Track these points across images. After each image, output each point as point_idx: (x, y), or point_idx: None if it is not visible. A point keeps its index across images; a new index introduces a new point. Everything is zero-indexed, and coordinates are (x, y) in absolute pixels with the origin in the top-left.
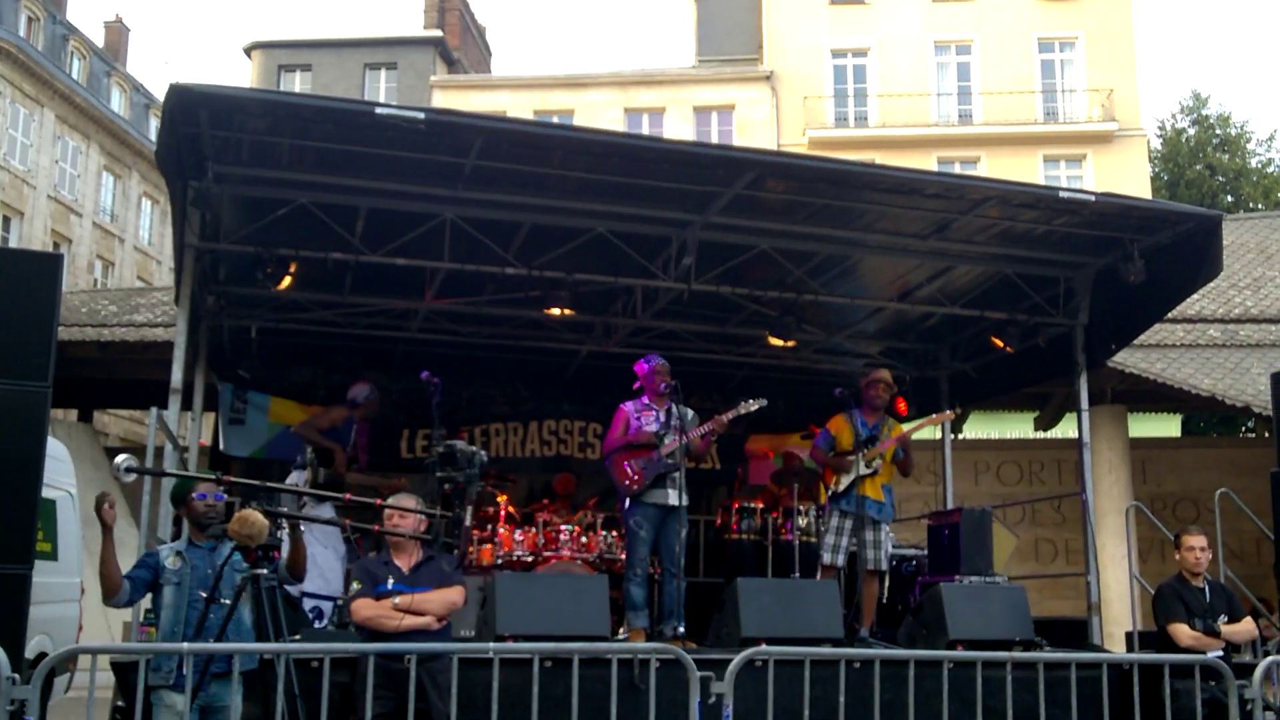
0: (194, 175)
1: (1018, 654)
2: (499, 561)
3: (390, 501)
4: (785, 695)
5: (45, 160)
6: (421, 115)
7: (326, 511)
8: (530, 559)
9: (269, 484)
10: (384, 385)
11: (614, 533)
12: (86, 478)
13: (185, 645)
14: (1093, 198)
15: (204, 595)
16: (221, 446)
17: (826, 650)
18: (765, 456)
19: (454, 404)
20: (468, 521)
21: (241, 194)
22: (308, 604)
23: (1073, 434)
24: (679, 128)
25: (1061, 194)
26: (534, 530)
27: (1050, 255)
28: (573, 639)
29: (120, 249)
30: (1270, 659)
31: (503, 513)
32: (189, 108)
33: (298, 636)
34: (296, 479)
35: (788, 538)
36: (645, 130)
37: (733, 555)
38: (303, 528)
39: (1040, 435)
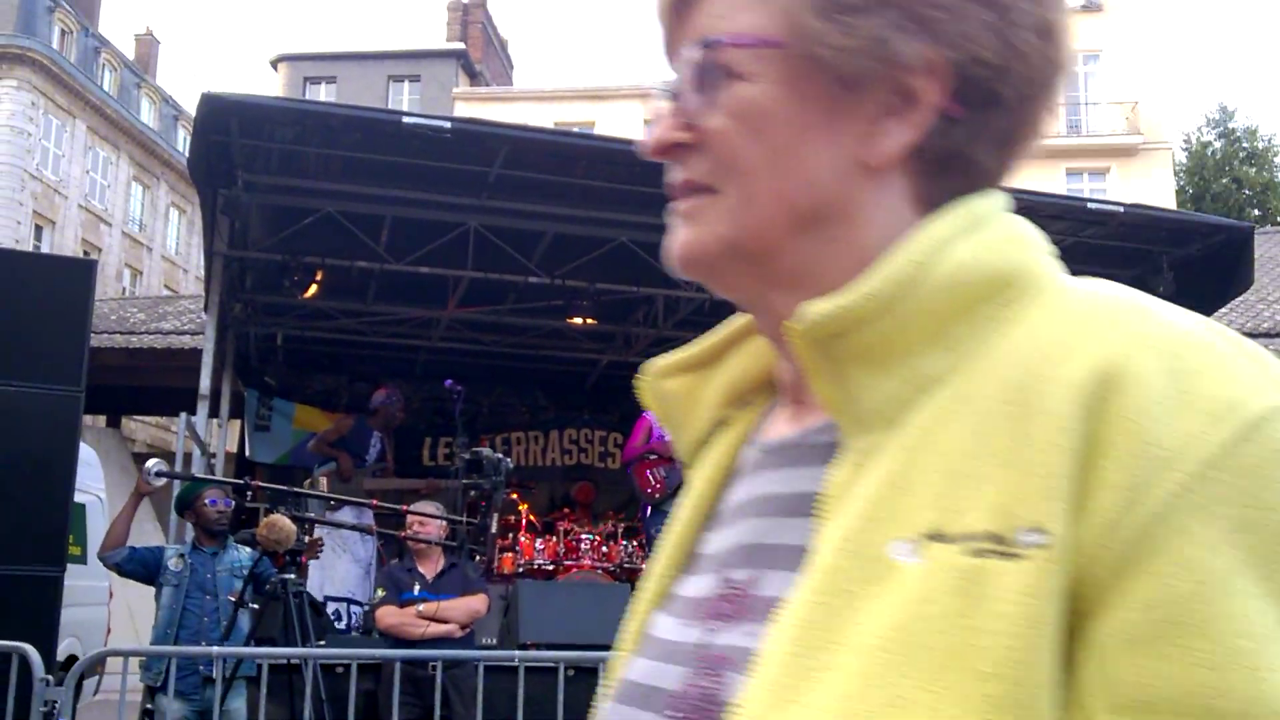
0: (223, 183)
1: None
2: (520, 570)
3: (413, 508)
4: None
5: (76, 170)
6: (448, 125)
7: (346, 517)
8: (551, 568)
9: (296, 489)
10: (406, 394)
11: (634, 542)
12: (115, 482)
13: (215, 650)
14: (1121, 209)
15: (208, 597)
16: (248, 453)
17: None
18: None
19: (475, 412)
20: (493, 529)
21: (269, 202)
22: (330, 607)
23: None
24: None
25: (1090, 205)
26: (555, 539)
27: (1077, 267)
28: (595, 648)
29: (148, 258)
30: None
31: (524, 521)
32: (220, 116)
33: (323, 642)
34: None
35: None
36: None
37: None
38: (322, 533)
39: None
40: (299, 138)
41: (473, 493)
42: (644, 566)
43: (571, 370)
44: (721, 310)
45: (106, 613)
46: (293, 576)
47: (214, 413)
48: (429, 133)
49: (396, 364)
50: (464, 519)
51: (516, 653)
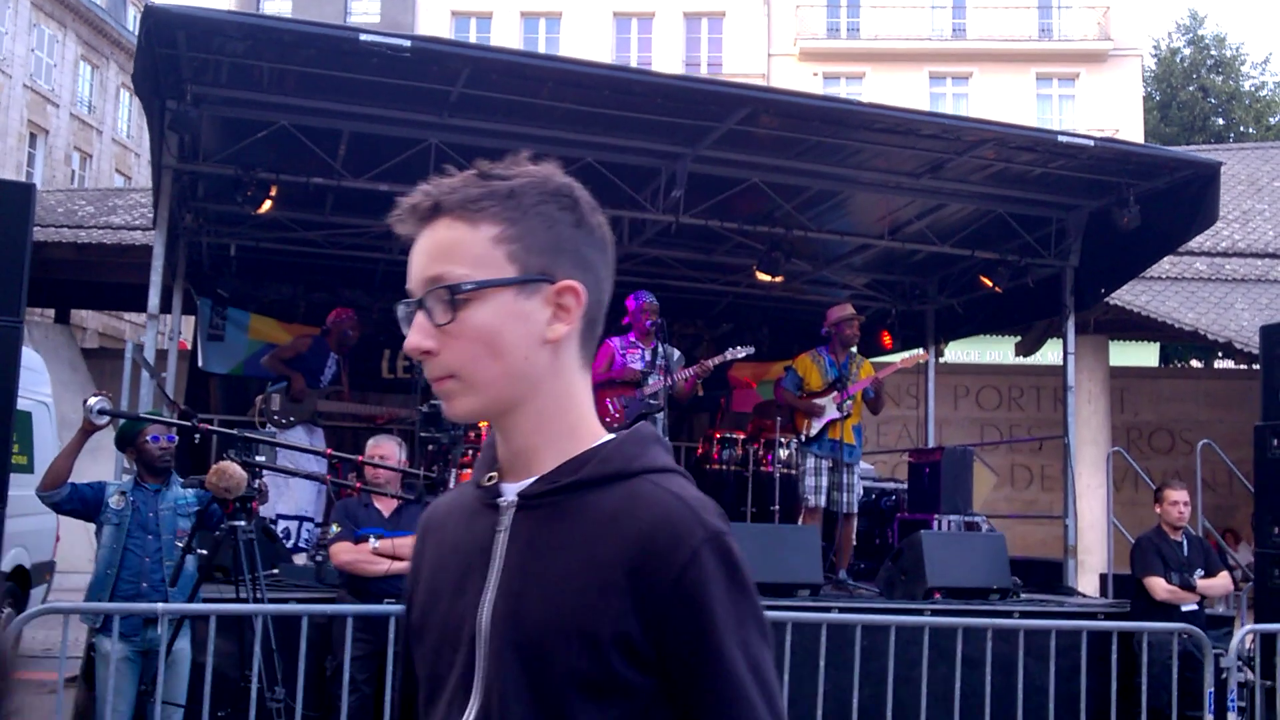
0: (171, 95)
1: (997, 621)
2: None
3: (371, 448)
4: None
5: (21, 49)
6: (407, 43)
7: (298, 439)
8: None
9: (246, 433)
10: (364, 304)
11: None
12: (64, 380)
13: (160, 606)
14: (1092, 143)
15: (150, 536)
16: (200, 363)
17: (809, 615)
18: (748, 386)
19: None
20: (452, 484)
21: (221, 114)
22: (280, 525)
23: (1053, 360)
24: (669, 33)
25: (1060, 138)
26: None
27: (1044, 196)
28: None
29: (98, 141)
30: (1246, 629)
31: (484, 434)
32: (166, 29)
33: (275, 570)
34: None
35: (768, 469)
36: (633, 36)
37: (713, 485)
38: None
39: (1021, 361)
40: (251, 51)
41: (430, 446)
42: None
43: None
44: (688, 231)
45: (56, 521)
46: (243, 524)
47: (166, 309)
48: (387, 50)
49: (355, 274)
50: (421, 471)
51: None
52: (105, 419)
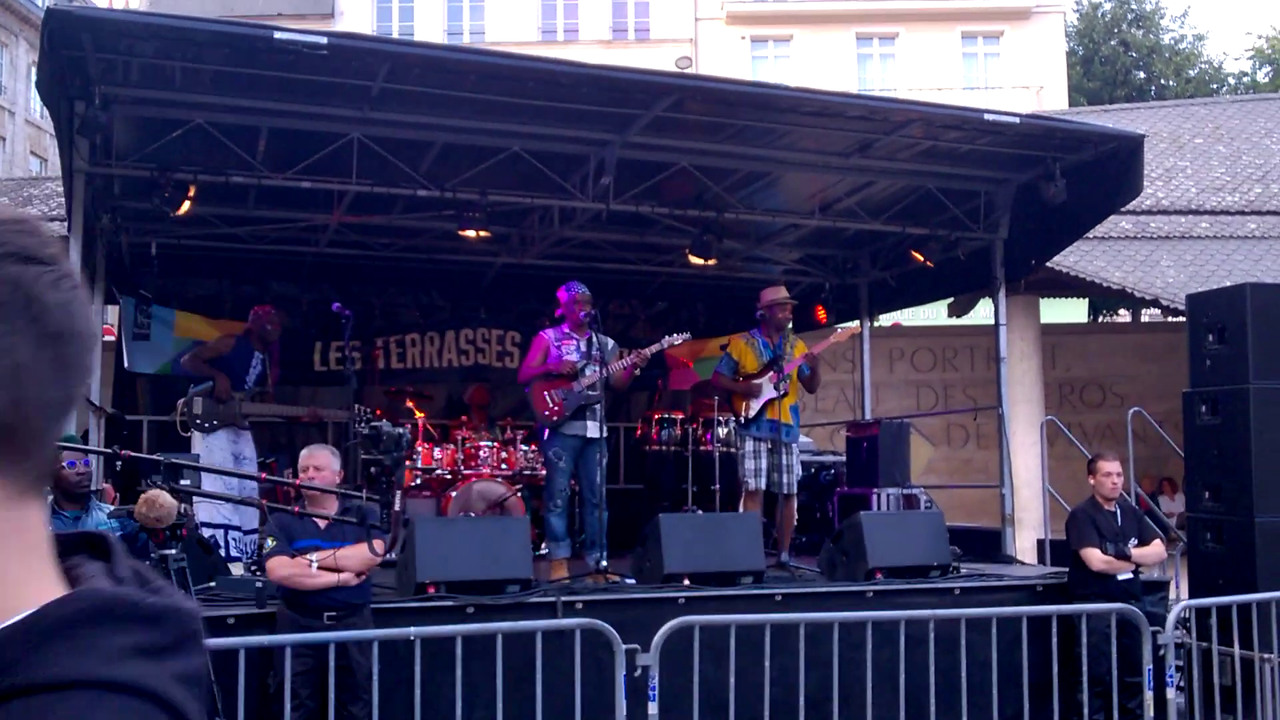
0: (79, 96)
1: (939, 611)
2: (417, 481)
3: (305, 458)
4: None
5: None
6: (324, 40)
7: (222, 442)
8: (449, 477)
9: (173, 458)
10: (293, 296)
11: (534, 447)
12: None
13: None
14: (1017, 119)
15: None
16: (126, 364)
17: (752, 616)
18: (685, 365)
19: (367, 314)
20: (397, 506)
21: (133, 114)
22: (204, 534)
23: (985, 320)
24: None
25: (986, 116)
26: (453, 448)
27: (972, 171)
28: (495, 583)
29: (11, 123)
30: (1181, 604)
31: (420, 429)
32: (70, 31)
33: (212, 583)
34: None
35: (708, 449)
36: (559, 2)
37: (652, 465)
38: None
39: (955, 321)
40: (161, 51)
41: (372, 469)
42: (543, 472)
43: (467, 269)
44: (619, 217)
45: None
46: (173, 552)
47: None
48: (303, 49)
49: (282, 266)
50: (364, 494)
51: (411, 630)
52: None
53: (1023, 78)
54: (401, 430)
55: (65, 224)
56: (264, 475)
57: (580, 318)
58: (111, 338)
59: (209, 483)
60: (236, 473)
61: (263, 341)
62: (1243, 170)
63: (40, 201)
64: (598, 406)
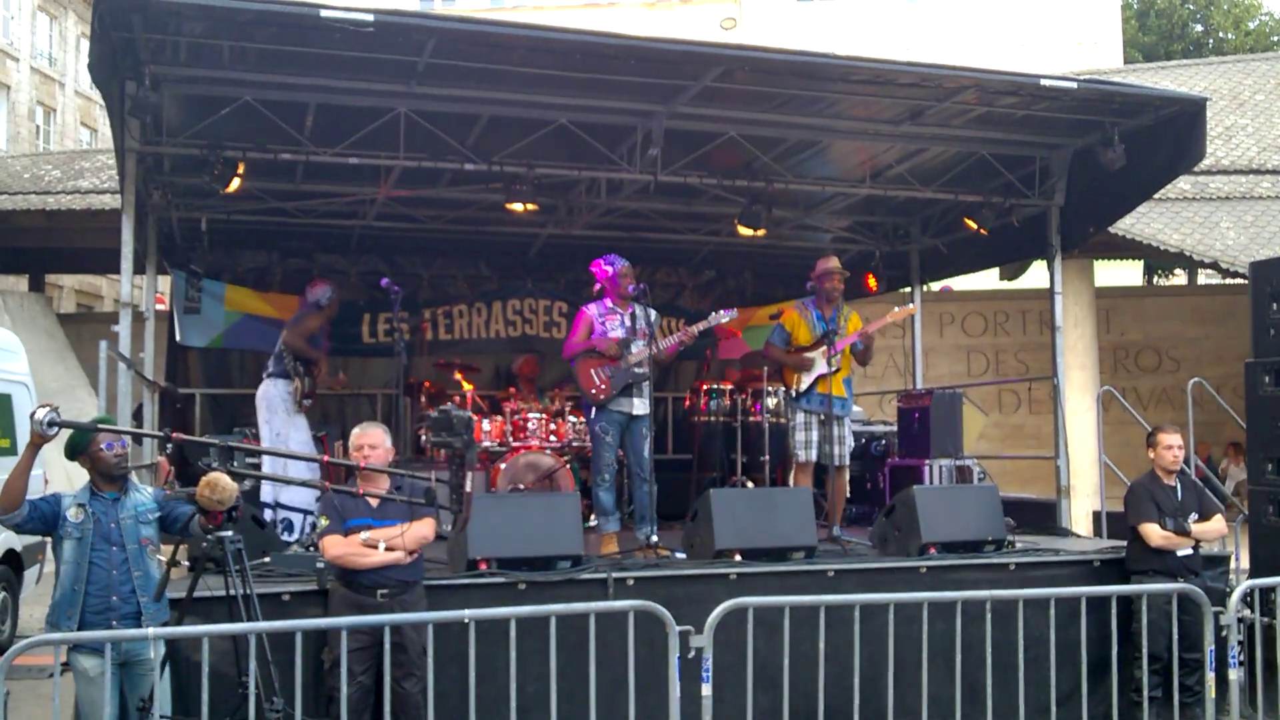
0: (130, 76)
1: (996, 593)
2: None
3: (357, 437)
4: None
5: None
6: (370, 17)
7: (303, 426)
8: (499, 449)
9: (229, 443)
10: (341, 269)
11: (582, 418)
12: (40, 349)
13: (151, 631)
14: (1074, 85)
15: (114, 547)
16: (178, 337)
17: (806, 599)
18: (733, 335)
19: (415, 286)
20: (469, 488)
21: (182, 93)
22: (281, 515)
23: (1037, 283)
24: None
25: (1043, 82)
26: (502, 419)
27: (1027, 137)
28: (547, 559)
29: (61, 94)
30: (1245, 584)
31: (469, 402)
32: (121, 14)
33: (266, 558)
34: (282, 389)
35: (757, 419)
36: None
37: (701, 436)
38: (267, 419)
39: (1006, 285)
40: (209, 31)
41: (444, 451)
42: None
43: (514, 240)
44: (667, 188)
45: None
46: (230, 534)
47: (140, 269)
48: (349, 26)
49: (330, 239)
50: (434, 476)
51: (466, 612)
52: (55, 430)
53: (1076, 33)
54: (470, 414)
55: (116, 196)
56: (326, 457)
57: (628, 291)
58: (163, 306)
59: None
60: (301, 455)
61: (330, 316)
62: None
63: (92, 174)
64: (645, 384)
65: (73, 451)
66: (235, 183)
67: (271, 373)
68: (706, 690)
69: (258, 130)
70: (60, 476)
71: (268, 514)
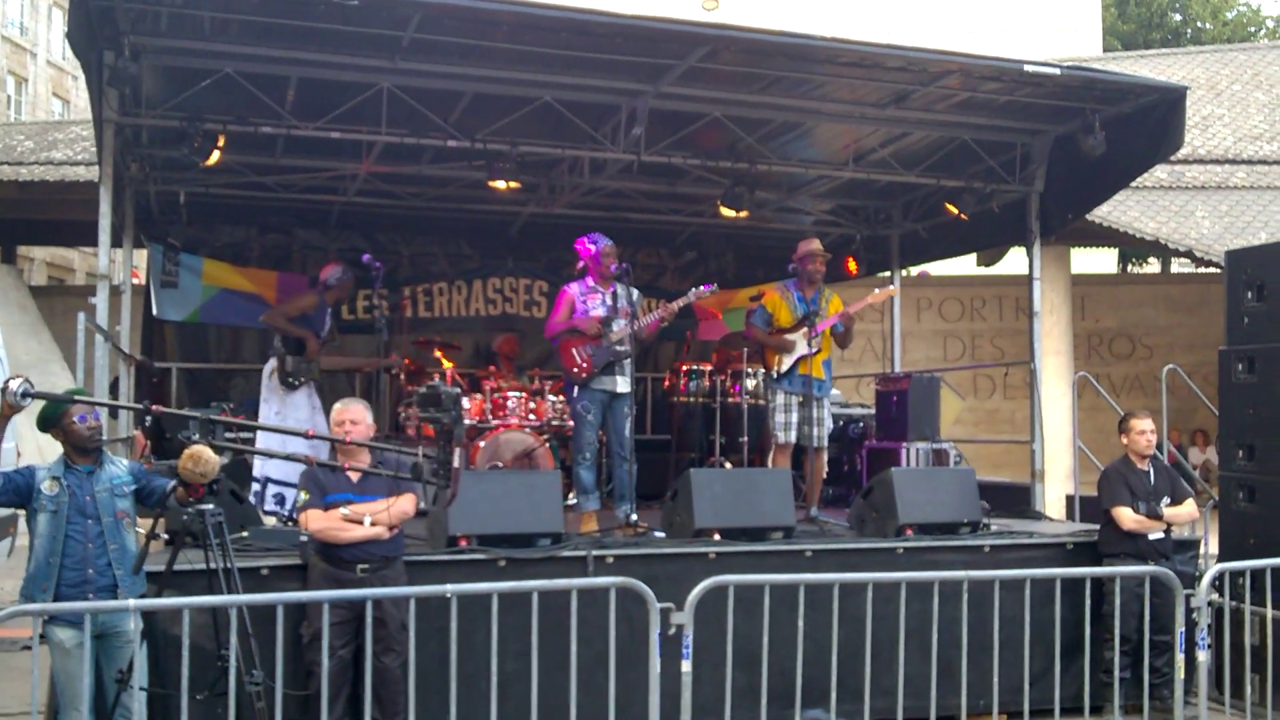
0: (109, 46)
1: (973, 574)
2: None
3: (338, 412)
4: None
5: None
6: None
7: (303, 401)
8: (478, 427)
9: (210, 416)
10: (321, 245)
11: (562, 397)
12: (13, 322)
13: (133, 602)
14: (1058, 71)
15: (90, 520)
16: (155, 311)
17: (786, 577)
18: (713, 316)
19: (395, 263)
20: (456, 463)
21: (162, 64)
22: (272, 490)
23: (1014, 270)
24: None
25: (1027, 68)
26: (481, 398)
27: (1009, 123)
28: (527, 536)
29: (33, 64)
30: (1216, 568)
31: (449, 380)
32: None
33: (245, 533)
34: (270, 367)
35: (736, 400)
36: None
37: (680, 417)
38: (266, 397)
39: (983, 271)
40: (190, 1)
41: (431, 427)
42: (570, 423)
43: (495, 218)
44: (650, 168)
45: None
46: (210, 507)
47: (117, 244)
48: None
49: (310, 215)
50: (420, 452)
51: (448, 587)
52: (29, 400)
53: (1056, 20)
54: (458, 390)
55: (90, 168)
56: (311, 431)
57: (611, 270)
58: (140, 281)
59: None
60: (281, 429)
61: (338, 300)
62: None
63: (65, 145)
64: (626, 361)
65: (45, 424)
66: (215, 156)
67: (268, 353)
68: (686, 667)
69: (238, 103)
70: (31, 449)
71: (256, 487)
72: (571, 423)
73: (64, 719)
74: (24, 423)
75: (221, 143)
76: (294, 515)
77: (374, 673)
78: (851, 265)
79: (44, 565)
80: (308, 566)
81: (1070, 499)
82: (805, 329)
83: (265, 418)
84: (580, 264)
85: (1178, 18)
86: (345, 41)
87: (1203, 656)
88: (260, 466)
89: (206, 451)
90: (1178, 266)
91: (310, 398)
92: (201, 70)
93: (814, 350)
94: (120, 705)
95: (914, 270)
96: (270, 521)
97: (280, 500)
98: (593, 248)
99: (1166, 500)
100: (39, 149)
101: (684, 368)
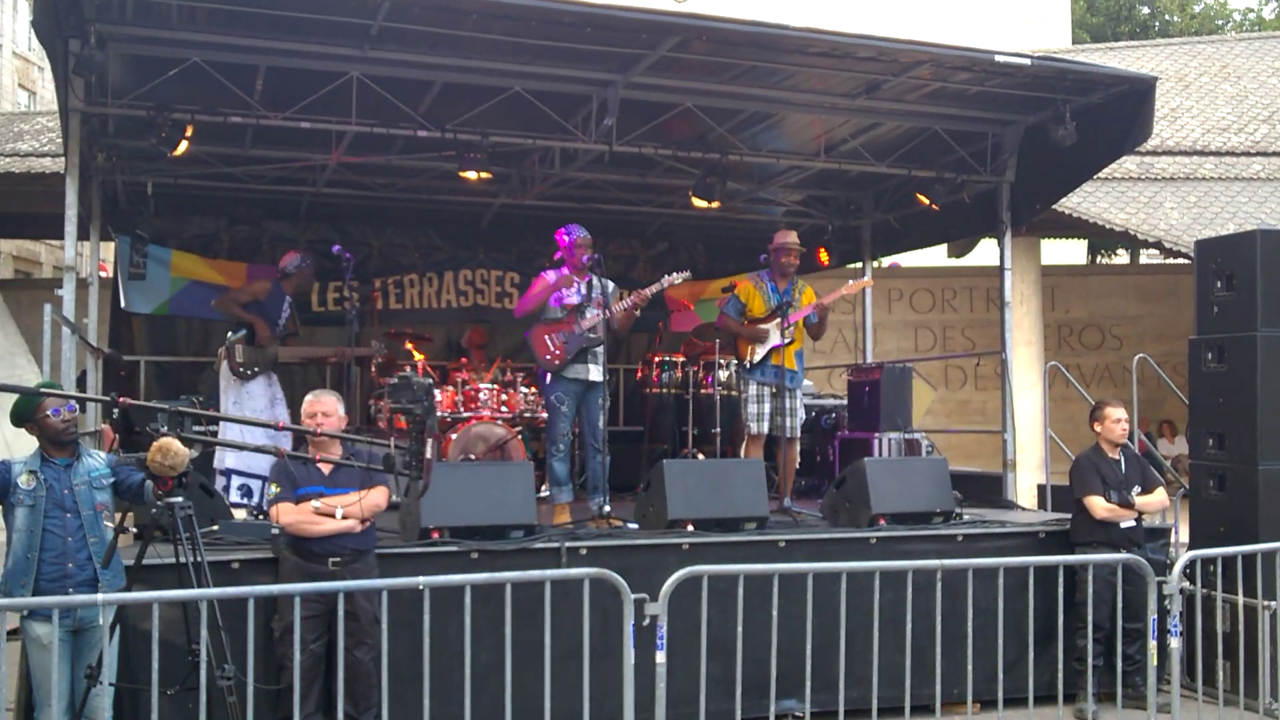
0: (74, 34)
1: (947, 562)
2: None
3: (310, 404)
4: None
5: None
6: None
7: (260, 390)
8: (450, 419)
9: (179, 408)
10: (290, 236)
11: (534, 389)
12: None
13: (101, 596)
14: (1029, 61)
15: (68, 514)
16: (123, 303)
17: (760, 567)
18: (686, 307)
19: (365, 254)
20: (429, 454)
21: (129, 52)
22: (237, 481)
23: (984, 261)
24: None
25: (998, 58)
26: (453, 390)
27: (980, 113)
28: (499, 528)
29: None
30: (1187, 555)
31: (420, 372)
32: None
33: (215, 526)
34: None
35: (708, 391)
36: None
37: (652, 408)
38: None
39: (953, 262)
40: None
41: (404, 417)
42: (543, 414)
43: (466, 210)
44: (622, 158)
45: None
46: (180, 500)
47: (84, 236)
48: None
49: (280, 206)
50: (393, 443)
51: (420, 580)
52: None
53: (1025, 12)
54: (430, 381)
55: (57, 159)
56: (281, 424)
57: (583, 261)
58: (107, 274)
59: (236, 431)
60: (254, 420)
61: (298, 289)
62: (1249, 110)
63: (31, 137)
64: (599, 349)
65: (19, 419)
66: (183, 146)
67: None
68: (661, 658)
69: (206, 92)
70: None
71: (220, 480)
72: (544, 415)
73: (40, 715)
74: None
75: (189, 133)
76: (263, 508)
77: (346, 666)
78: (823, 256)
79: (23, 560)
80: (279, 560)
81: (1042, 488)
82: (779, 319)
83: (224, 409)
84: (558, 254)
85: (1146, 11)
86: (314, 30)
87: (1175, 643)
88: (219, 458)
89: (175, 444)
90: (1146, 257)
91: (269, 388)
92: (169, 59)
93: (787, 341)
94: (90, 701)
95: (885, 261)
96: (240, 514)
97: (246, 492)
98: (568, 238)
99: (1137, 489)
100: (4, 140)
101: (656, 359)
